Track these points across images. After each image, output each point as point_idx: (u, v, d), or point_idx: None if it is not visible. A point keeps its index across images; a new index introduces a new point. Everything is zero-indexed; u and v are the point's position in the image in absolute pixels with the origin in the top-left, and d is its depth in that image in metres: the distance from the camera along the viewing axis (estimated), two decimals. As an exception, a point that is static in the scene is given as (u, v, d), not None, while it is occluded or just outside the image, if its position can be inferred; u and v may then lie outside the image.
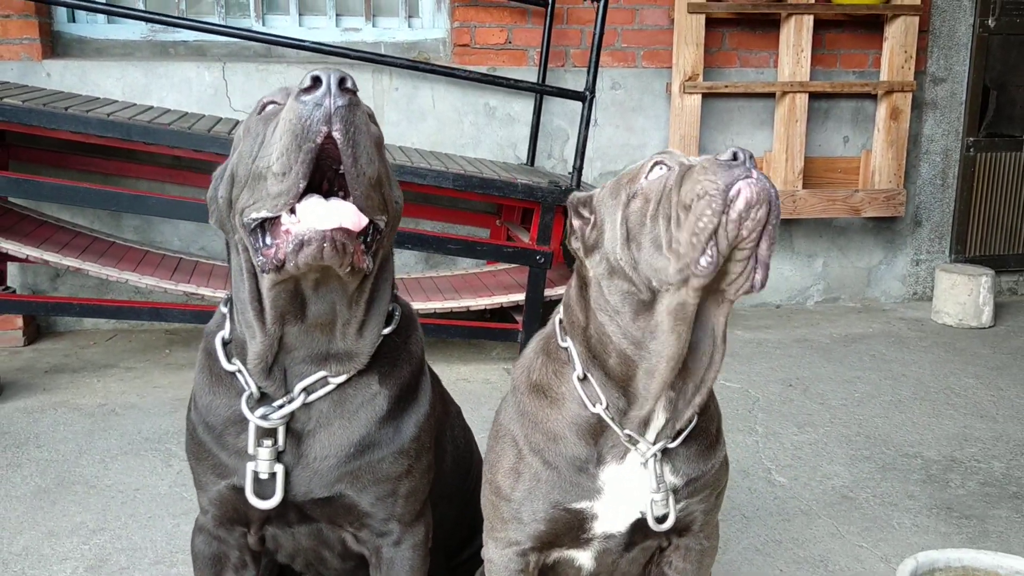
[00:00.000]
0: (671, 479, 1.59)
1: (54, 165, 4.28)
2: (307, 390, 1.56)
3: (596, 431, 1.57)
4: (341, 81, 1.33)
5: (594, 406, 1.54)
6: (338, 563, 1.78)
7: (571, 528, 1.60)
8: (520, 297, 4.04)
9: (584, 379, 1.56)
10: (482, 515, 2.12)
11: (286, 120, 1.34)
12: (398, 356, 1.65)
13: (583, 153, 3.96)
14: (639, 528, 1.59)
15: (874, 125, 5.02)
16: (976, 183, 5.30)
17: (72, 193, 3.60)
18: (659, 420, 1.53)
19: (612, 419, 1.53)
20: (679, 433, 1.56)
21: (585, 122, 3.94)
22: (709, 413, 1.64)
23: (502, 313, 4.32)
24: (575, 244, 1.55)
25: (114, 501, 2.79)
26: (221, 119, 4.22)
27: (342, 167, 1.37)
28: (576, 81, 4.63)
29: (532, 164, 4.71)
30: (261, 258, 1.42)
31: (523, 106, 4.75)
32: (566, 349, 1.58)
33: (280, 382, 1.56)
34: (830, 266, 5.26)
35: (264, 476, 1.57)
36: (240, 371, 1.58)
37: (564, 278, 4.23)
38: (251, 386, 1.56)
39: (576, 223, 1.55)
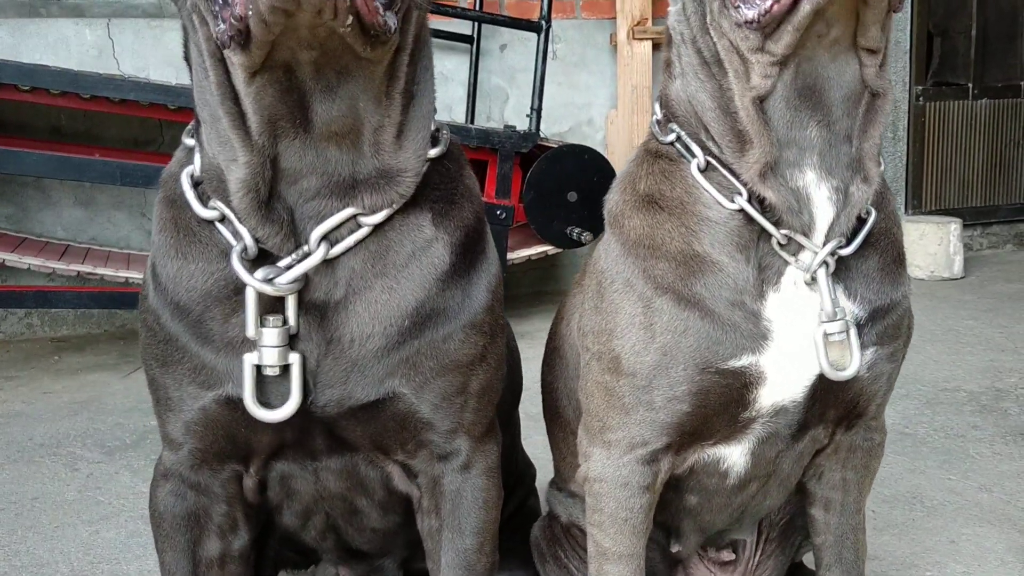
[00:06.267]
0: (850, 307, 1.11)
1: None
2: (329, 239, 1.02)
3: (745, 240, 1.09)
4: None
5: (732, 200, 1.08)
6: (377, 517, 1.21)
7: (728, 404, 1.10)
8: (476, 264, 3.53)
9: (706, 169, 1.10)
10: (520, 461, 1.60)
11: None
12: (455, 190, 1.13)
13: (541, 93, 3.50)
14: (820, 394, 1.11)
15: (824, 75, 4.76)
16: (928, 135, 5.10)
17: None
18: (825, 212, 1.06)
19: (760, 213, 1.07)
20: (855, 234, 1.09)
21: (542, 55, 3.49)
22: (889, 211, 1.18)
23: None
24: None
25: (5, 515, 2.13)
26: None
27: None
28: (511, 32, 4.18)
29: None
30: (221, 25, 0.90)
31: (457, 63, 4.26)
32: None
33: (287, 229, 1.01)
34: (788, 228, 4.96)
35: (273, 372, 1.01)
36: (225, 217, 1.03)
37: (523, 243, 3.74)
38: (244, 236, 1.01)
39: None
